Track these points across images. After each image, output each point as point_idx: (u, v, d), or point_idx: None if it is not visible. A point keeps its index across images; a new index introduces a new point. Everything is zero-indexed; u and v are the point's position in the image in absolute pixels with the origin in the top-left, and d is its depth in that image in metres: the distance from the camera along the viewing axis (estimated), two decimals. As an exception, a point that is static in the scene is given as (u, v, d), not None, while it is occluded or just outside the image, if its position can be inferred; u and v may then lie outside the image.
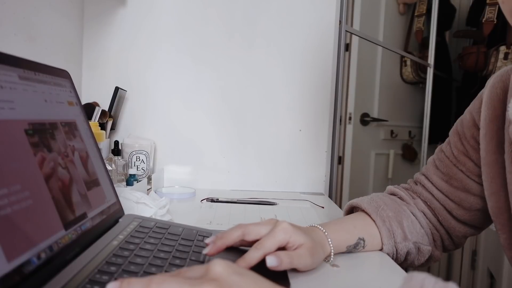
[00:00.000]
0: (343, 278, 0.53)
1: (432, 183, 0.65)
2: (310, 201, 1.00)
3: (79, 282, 0.37)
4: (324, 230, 0.55)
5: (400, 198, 0.66)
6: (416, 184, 0.68)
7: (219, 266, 0.33)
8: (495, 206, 0.56)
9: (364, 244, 0.59)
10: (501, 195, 0.55)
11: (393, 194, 0.68)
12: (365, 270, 0.56)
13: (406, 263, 0.62)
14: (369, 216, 0.62)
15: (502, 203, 0.55)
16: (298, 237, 0.49)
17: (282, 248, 0.48)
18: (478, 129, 0.59)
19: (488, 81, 0.60)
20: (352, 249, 0.59)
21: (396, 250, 0.60)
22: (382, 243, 0.60)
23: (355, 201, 0.66)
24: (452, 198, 0.62)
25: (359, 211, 0.65)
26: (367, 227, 0.61)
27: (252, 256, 0.45)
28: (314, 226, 0.56)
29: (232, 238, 0.49)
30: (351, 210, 0.68)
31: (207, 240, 0.49)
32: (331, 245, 0.54)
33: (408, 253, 0.61)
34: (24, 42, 0.85)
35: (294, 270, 0.49)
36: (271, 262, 0.45)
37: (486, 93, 0.58)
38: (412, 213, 0.63)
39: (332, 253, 0.55)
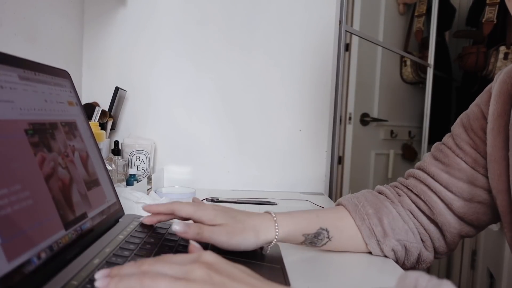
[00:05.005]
0: (342, 277, 0.53)
1: (428, 174, 0.62)
2: (310, 201, 1.00)
3: (79, 282, 0.37)
4: (274, 216, 0.54)
5: (385, 196, 0.64)
6: (407, 179, 0.65)
7: (211, 255, 0.34)
8: (501, 204, 0.55)
9: (328, 235, 0.57)
10: (507, 193, 0.54)
11: (379, 193, 0.66)
12: (364, 270, 0.56)
13: (397, 264, 0.59)
14: (349, 213, 0.60)
15: (508, 202, 0.54)
16: (206, 215, 0.50)
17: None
18: (487, 121, 0.58)
19: (497, 75, 0.59)
20: (312, 239, 0.56)
21: (381, 248, 0.58)
22: (366, 243, 0.59)
23: (340, 199, 0.64)
24: (452, 189, 0.59)
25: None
26: (336, 220, 0.59)
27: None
28: (266, 212, 0.56)
29: (160, 209, 0.53)
30: None
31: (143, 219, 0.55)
32: (277, 230, 0.53)
33: (394, 251, 0.58)
34: (24, 42, 0.85)
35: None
36: (175, 227, 0.47)
37: (495, 88, 0.57)
38: (395, 209, 0.61)
39: (275, 238, 0.53)
